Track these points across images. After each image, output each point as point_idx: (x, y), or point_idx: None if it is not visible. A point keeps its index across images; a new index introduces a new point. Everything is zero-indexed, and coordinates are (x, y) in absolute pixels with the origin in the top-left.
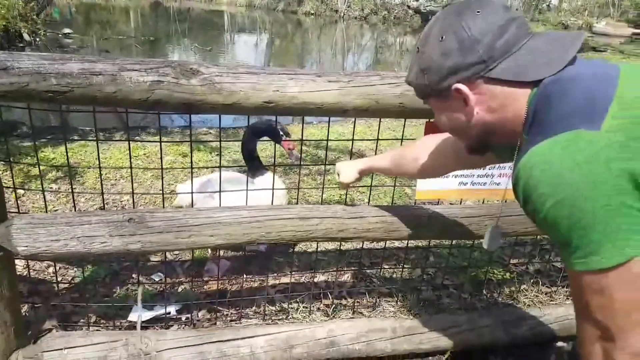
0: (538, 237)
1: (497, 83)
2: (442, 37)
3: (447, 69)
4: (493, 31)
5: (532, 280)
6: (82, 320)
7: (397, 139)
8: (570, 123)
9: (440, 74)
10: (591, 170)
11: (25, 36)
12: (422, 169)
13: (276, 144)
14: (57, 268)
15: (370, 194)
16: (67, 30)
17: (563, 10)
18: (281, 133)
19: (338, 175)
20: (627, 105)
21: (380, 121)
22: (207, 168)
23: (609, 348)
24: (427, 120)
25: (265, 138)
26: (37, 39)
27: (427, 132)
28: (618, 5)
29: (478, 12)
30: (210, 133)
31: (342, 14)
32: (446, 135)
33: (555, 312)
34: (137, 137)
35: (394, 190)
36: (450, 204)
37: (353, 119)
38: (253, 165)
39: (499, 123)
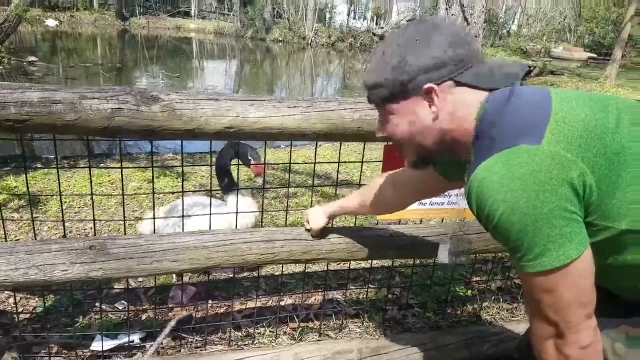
0: (499, 254)
1: (464, 86)
2: (417, 40)
3: (421, 66)
4: (462, 41)
5: (493, 298)
6: (43, 351)
7: (358, 161)
8: (515, 139)
9: (412, 72)
10: (535, 180)
11: None
12: (387, 203)
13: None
14: (19, 298)
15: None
16: (32, 58)
17: (522, 35)
18: (249, 157)
19: (307, 222)
20: (561, 122)
21: (340, 145)
22: (172, 193)
23: (560, 343)
24: (385, 144)
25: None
26: (1, 67)
27: (385, 156)
28: (574, 30)
29: (450, 25)
30: (176, 158)
31: (310, 41)
32: (405, 169)
33: (517, 328)
34: (101, 164)
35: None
36: (415, 223)
37: (320, 143)
38: (225, 184)
39: (452, 133)
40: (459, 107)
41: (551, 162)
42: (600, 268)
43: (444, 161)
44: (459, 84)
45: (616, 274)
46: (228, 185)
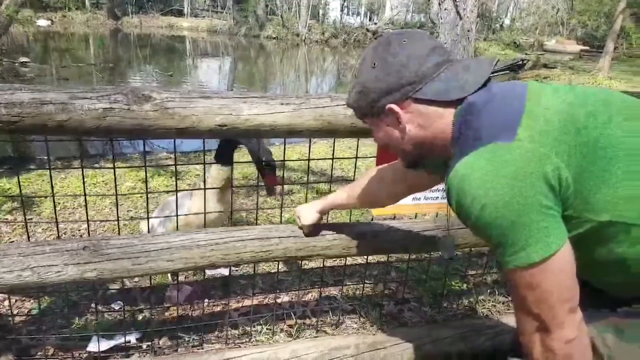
0: None
1: (424, 103)
2: (374, 64)
3: (380, 91)
4: (418, 57)
5: (489, 291)
6: (39, 353)
7: (352, 158)
8: (489, 137)
9: (374, 96)
10: (511, 176)
11: None
12: (377, 198)
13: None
14: (14, 301)
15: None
16: (24, 59)
17: (515, 29)
18: (264, 164)
19: (299, 219)
20: (535, 117)
21: (334, 141)
22: (166, 192)
23: (546, 338)
24: None
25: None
26: None
27: (379, 151)
28: (567, 23)
29: (404, 41)
30: (170, 157)
31: (304, 38)
32: (394, 163)
33: (513, 321)
34: (95, 165)
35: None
36: (410, 219)
37: (314, 140)
38: (220, 154)
39: (429, 139)
40: (428, 118)
41: (530, 156)
42: (586, 263)
43: (433, 161)
44: (420, 100)
45: (604, 269)
46: (221, 156)
